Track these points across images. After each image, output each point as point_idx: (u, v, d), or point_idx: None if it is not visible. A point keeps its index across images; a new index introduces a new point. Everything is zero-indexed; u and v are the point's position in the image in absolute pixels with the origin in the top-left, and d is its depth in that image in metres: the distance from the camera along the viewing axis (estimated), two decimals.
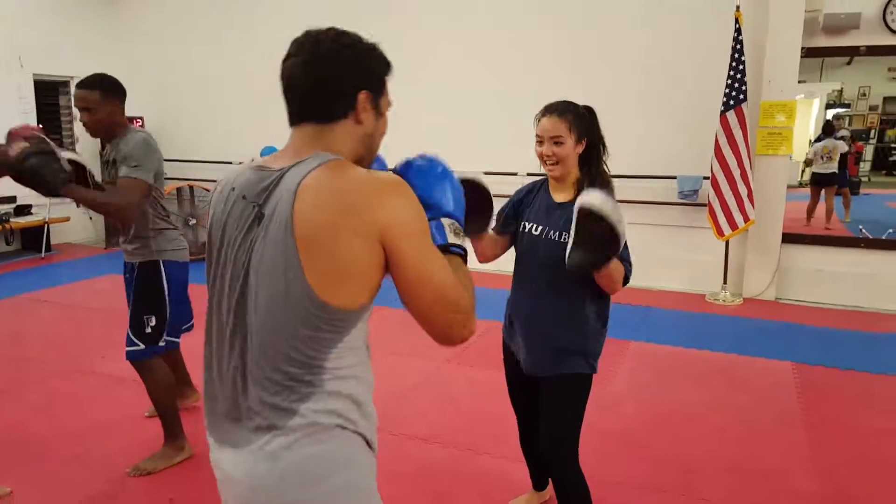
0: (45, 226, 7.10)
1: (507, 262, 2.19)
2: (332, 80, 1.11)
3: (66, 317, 5.09)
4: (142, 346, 2.75)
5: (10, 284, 5.92)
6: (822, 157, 7.99)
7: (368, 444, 1.16)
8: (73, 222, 7.53)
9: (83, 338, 4.53)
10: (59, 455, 2.91)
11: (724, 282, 5.61)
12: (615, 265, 1.86)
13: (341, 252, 1.01)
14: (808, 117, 10.18)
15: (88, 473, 2.77)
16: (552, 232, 2.00)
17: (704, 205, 5.49)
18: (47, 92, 7.59)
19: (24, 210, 7.10)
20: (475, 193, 1.77)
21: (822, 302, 5.45)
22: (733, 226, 5.29)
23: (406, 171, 1.22)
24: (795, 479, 2.77)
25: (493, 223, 1.98)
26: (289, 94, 1.14)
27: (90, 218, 7.91)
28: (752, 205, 5.23)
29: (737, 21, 5.09)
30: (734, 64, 5.12)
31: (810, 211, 7.76)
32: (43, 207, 7.11)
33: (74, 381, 3.75)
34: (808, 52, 5.25)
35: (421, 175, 1.20)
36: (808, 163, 8.71)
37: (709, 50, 5.47)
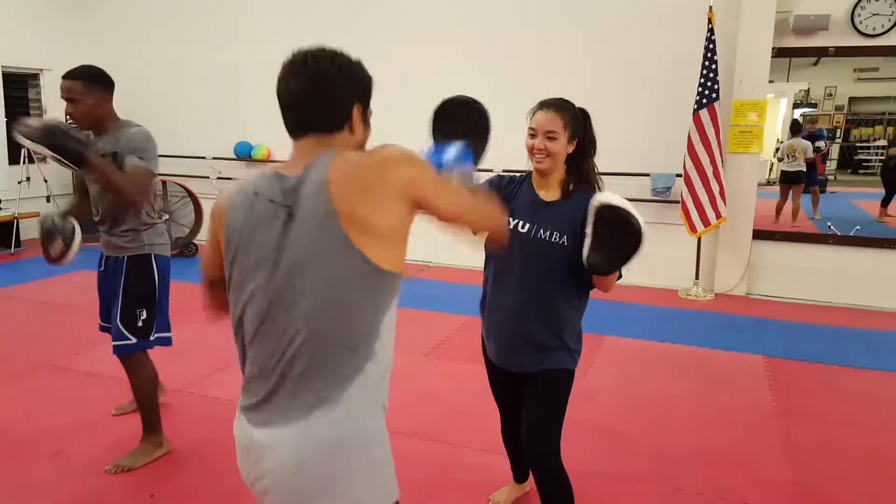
0: (15, 221, 6.94)
1: (480, 259, 2.17)
2: (332, 96, 1.23)
3: (38, 313, 5.00)
4: (133, 340, 2.73)
5: None
6: (788, 156, 8.18)
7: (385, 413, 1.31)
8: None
9: (56, 334, 4.46)
10: (36, 453, 2.87)
11: (697, 277, 5.73)
12: None
13: (384, 219, 1.16)
14: (776, 116, 10.41)
15: (67, 472, 2.74)
16: (542, 231, 1.99)
17: (677, 202, 5.60)
18: (15, 84, 7.41)
19: None
20: (474, 117, 1.87)
21: (791, 297, 5.59)
22: (706, 222, 5.39)
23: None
24: (768, 467, 2.85)
25: (485, 155, 1.96)
26: (290, 109, 1.25)
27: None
28: (724, 202, 5.35)
29: (710, 21, 5.19)
30: (707, 63, 5.22)
31: (779, 208, 7.94)
32: (13, 202, 6.95)
33: (48, 379, 3.70)
34: (778, 52, 5.38)
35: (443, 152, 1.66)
36: (781, 160, 8.91)
37: (682, 49, 5.57)
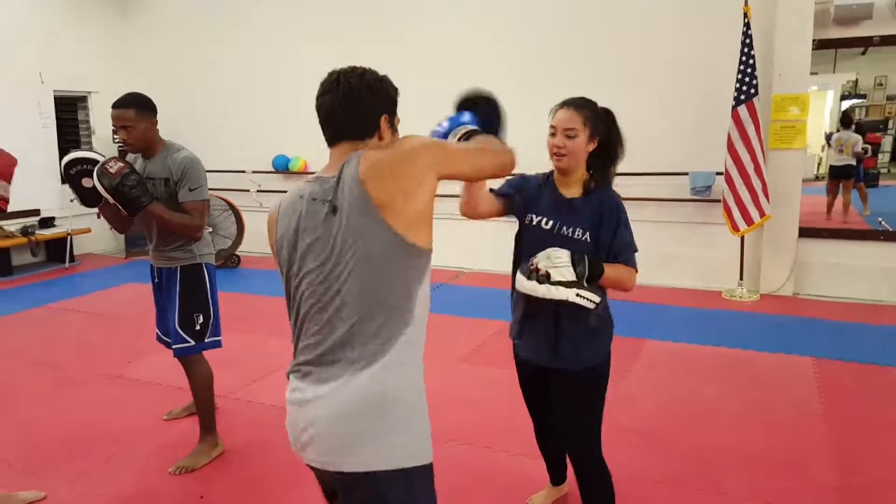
0: (69, 237, 7.25)
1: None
2: (361, 110, 1.43)
3: (92, 325, 5.21)
4: (192, 343, 2.90)
5: (38, 295, 6.07)
6: (837, 150, 7.93)
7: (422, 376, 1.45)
8: (94, 233, 7.68)
9: (108, 345, 4.63)
10: (91, 458, 3.00)
11: (741, 278, 5.59)
12: (610, 275, 1.89)
13: (412, 202, 1.33)
14: (823, 109, 10.08)
15: (120, 475, 2.85)
16: (564, 227, 2.01)
17: (718, 201, 5.49)
18: (66, 107, 7.76)
19: (47, 222, 7.26)
20: (488, 108, 1.87)
21: (841, 296, 5.41)
22: (748, 221, 5.27)
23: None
24: (814, 471, 2.77)
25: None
26: (327, 123, 1.45)
27: (110, 229, 8.05)
28: (767, 199, 5.22)
29: (745, 15, 5.09)
30: (744, 58, 5.12)
31: (830, 204, 7.69)
32: (66, 220, 7.26)
33: (103, 386, 3.85)
34: (819, 44, 5.23)
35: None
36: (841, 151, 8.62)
37: (718, 45, 5.47)
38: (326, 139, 1.46)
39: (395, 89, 1.50)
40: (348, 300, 1.33)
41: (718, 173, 5.48)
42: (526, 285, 1.88)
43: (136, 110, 2.72)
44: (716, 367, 4.00)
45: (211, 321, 2.95)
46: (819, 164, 9.46)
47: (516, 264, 2.14)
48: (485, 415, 3.35)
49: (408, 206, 1.32)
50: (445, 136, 1.70)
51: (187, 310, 2.89)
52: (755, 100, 5.13)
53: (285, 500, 2.66)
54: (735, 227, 5.34)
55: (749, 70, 5.12)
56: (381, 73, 1.48)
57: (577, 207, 2.03)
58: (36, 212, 7.21)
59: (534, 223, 2.07)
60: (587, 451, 2.09)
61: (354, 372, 1.32)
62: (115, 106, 2.72)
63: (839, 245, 5.55)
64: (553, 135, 2.01)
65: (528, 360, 2.18)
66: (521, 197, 2.12)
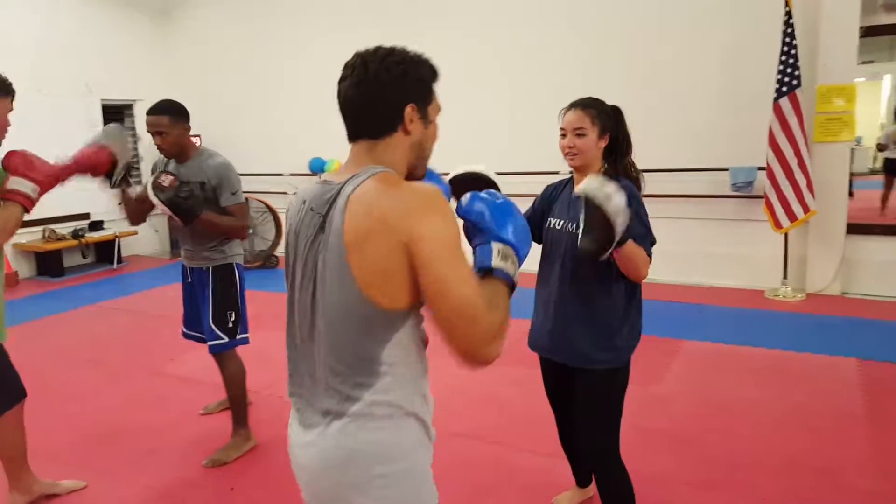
0: (116, 239, 7.52)
1: None
2: (380, 99, 1.20)
3: (137, 323, 5.39)
4: (225, 339, 3.00)
5: (87, 294, 6.32)
6: (893, 143, 7.60)
7: (426, 430, 1.26)
8: (140, 236, 7.95)
9: (152, 342, 4.78)
10: (133, 449, 3.12)
11: (785, 277, 5.41)
12: (630, 249, 1.82)
13: (376, 256, 1.12)
14: (878, 100, 9.67)
15: (158, 466, 2.95)
16: (570, 224, 2.03)
17: (760, 197, 5.32)
18: (113, 115, 8.04)
19: (97, 225, 7.55)
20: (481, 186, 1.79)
21: (892, 296, 5.18)
22: (792, 217, 5.10)
23: (470, 199, 1.29)
24: (854, 477, 2.66)
25: None
26: (346, 116, 1.25)
27: (156, 231, 8.34)
28: (812, 194, 5.04)
29: (787, 3, 4.92)
30: (785, 48, 4.95)
31: (884, 199, 7.39)
32: (113, 223, 7.53)
33: (145, 382, 3.99)
34: (866, 32, 5.01)
35: (480, 201, 1.28)
36: (880, 148, 8.28)
37: (759, 35, 5.30)
38: (347, 133, 1.27)
39: (433, 71, 1.25)
40: (325, 336, 1.21)
41: (760, 168, 5.31)
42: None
43: (170, 117, 2.81)
44: (754, 369, 3.88)
45: (241, 319, 3.03)
46: (875, 158, 9.09)
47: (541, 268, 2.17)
48: (512, 414, 3.33)
49: (372, 261, 1.13)
50: (476, 238, 1.27)
51: (220, 308, 2.98)
52: (798, 91, 4.95)
53: None
54: (778, 224, 5.17)
55: (791, 60, 4.94)
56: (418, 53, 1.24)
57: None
58: (86, 215, 7.50)
59: (550, 226, 2.13)
60: (604, 451, 2.07)
61: (329, 421, 1.21)
62: (150, 112, 2.82)
63: (891, 242, 5.31)
64: (564, 136, 2.05)
65: (549, 358, 2.18)
66: (542, 212, 2.19)
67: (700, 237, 5.74)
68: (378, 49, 1.22)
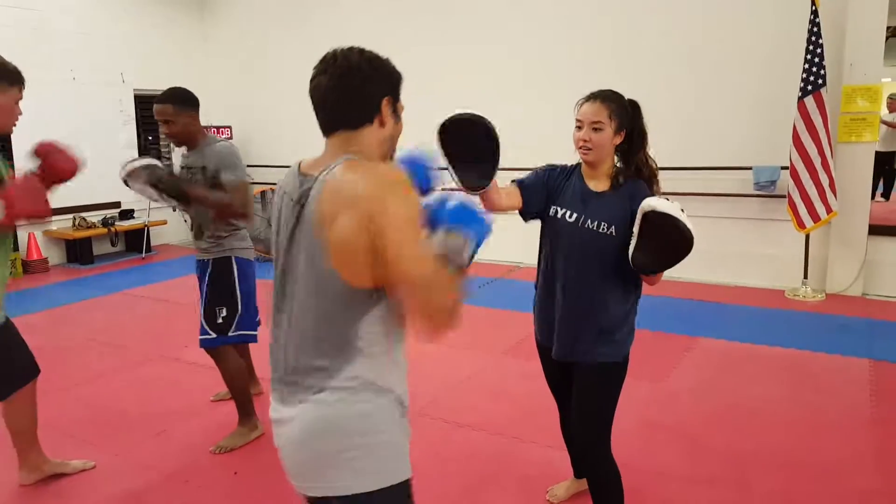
0: (146, 228, 7.71)
1: None
2: (359, 90, 1.27)
3: (159, 311, 5.54)
4: (213, 335, 2.97)
5: (114, 282, 6.50)
6: None
7: (401, 405, 1.33)
8: (169, 225, 8.13)
9: (171, 329, 4.92)
10: (144, 433, 3.21)
11: (805, 277, 5.33)
12: None
13: (344, 235, 1.18)
14: None
15: (167, 450, 3.04)
16: (589, 221, 1.98)
17: (782, 196, 5.24)
18: (146, 105, 8.23)
19: (127, 214, 7.75)
20: (483, 138, 1.82)
21: None
22: (815, 218, 5.02)
23: (440, 201, 1.34)
24: (857, 476, 2.64)
25: (494, 177, 1.90)
26: (321, 108, 1.30)
27: (185, 220, 8.51)
28: (835, 195, 4.95)
29: (813, 3, 4.84)
30: (811, 47, 4.87)
31: None
32: (143, 212, 7.72)
33: (161, 368, 4.10)
34: (893, 32, 4.91)
35: (447, 203, 1.33)
36: None
37: (784, 34, 5.22)
38: (321, 127, 1.33)
39: (399, 72, 1.35)
40: (304, 317, 1.28)
41: (783, 168, 5.24)
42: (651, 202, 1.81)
43: (174, 105, 2.82)
44: (767, 368, 3.85)
45: (238, 315, 2.97)
46: None
47: (541, 258, 2.16)
48: (519, 407, 3.36)
49: (340, 242, 1.19)
50: (436, 222, 1.31)
51: (211, 302, 2.95)
52: (823, 90, 4.87)
53: None
54: (801, 224, 5.09)
55: (816, 59, 4.86)
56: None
57: (605, 201, 2.00)
58: (116, 204, 7.69)
59: (558, 216, 2.05)
60: (594, 446, 2.07)
61: (309, 396, 1.27)
62: (157, 101, 2.83)
63: None
64: (579, 128, 1.99)
65: (549, 350, 2.19)
66: (546, 189, 2.09)
67: (722, 236, 5.68)
68: (352, 47, 1.30)
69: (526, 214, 2.12)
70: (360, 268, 1.20)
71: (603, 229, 1.97)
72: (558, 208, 2.06)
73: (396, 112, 1.34)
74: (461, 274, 1.28)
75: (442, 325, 1.20)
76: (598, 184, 2.05)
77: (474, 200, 1.36)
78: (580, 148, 2.01)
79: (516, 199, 2.07)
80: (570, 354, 2.09)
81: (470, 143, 1.83)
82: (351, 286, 1.22)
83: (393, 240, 1.16)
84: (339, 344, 1.25)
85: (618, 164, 2.07)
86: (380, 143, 1.32)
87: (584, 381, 2.09)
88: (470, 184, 1.87)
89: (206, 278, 2.97)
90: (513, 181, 2.13)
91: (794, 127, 5.00)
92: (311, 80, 1.30)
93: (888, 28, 4.86)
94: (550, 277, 2.11)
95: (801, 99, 4.94)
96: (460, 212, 1.30)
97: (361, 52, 1.30)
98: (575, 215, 2.02)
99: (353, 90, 1.27)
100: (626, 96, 2.04)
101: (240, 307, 2.99)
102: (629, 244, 1.89)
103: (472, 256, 1.31)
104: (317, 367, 1.26)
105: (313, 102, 1.31)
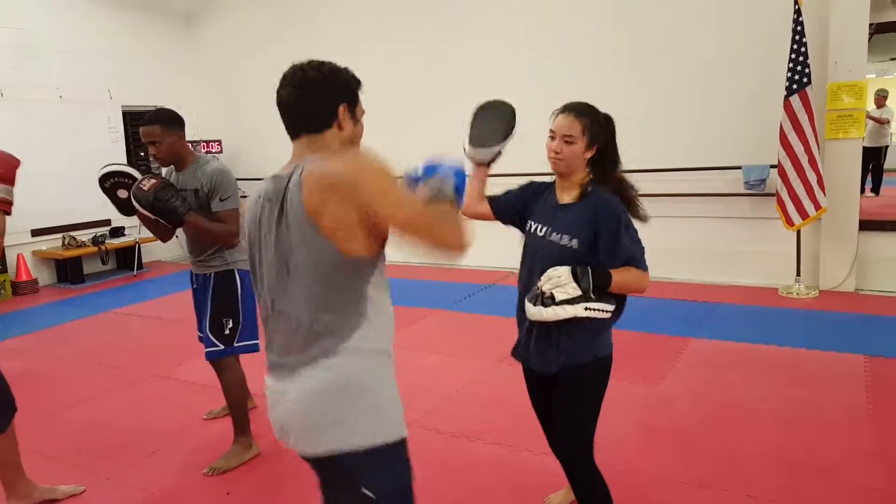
0: (137, 245, 7.67)
1: None
2: (317, 100, 1.44)
3: (151, 328, 5.49)
4: (221, 347, 2.99)
5: (105, 301, 6.44)
6: None
7: (392, 359, 1.48)
8: (161, 241, 8.07)
9: (163, 347, 4.87)
10: (137, 453, 3.17)
11: (798, 274, 5.35)
12: (621, 278, 1.86)
13: (338, 213, 1.32)
14: None
15: (159, 470, 3.00)
16: (555, 234, 1.99)
17: (773, 195, 5.27)
18: (135, 121, 8.20)
19: (117, 232, 7.69)
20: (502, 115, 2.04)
21: None
22: (803, 215, 5.04)
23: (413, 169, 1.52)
24: (856, 474, 2.63)
25: (504, 145, 2.13)
26: (286, 115, 1.47)
27: (177, 236, 8.46)
28: (823, 192, 4.97)
29: (796, 2, 4.88)
30: (795, 46, 4.90)
31: None
32: (134, 229, 7.67)
33: (153, 386, 4.07)
34: (877, 29, 4.95)
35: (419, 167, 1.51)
36: None
37: (769, 33, 5.26)
38: (288, 132, 1.48)
39: (357, 81, 1.50)
40: (299, 301, 1.39)
41: (773, 166, 5.26)
42: (532, 311, 1.89)
43: (161, 126, 2.82)
44: (762, 367, 3.84)
45: (241, 326, 2.99)
46: None
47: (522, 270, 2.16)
48: (515, 415, 3.33)
49: (332, 219, 1.32)
50: (417, 181, 1.49)
51: (217, 315, 2.97)
52: (808, 89, 4.90)
53: (309, 500, 2.72)
54: (789, 222, 5.11)
55: (801, 58, 4.89)
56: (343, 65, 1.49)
57: (569, 213, 2.01)
58: (107, 222, 7.64)
59: (531, 230, 2.10)
60: (577, 453, 2.04)
61: (313, 366, 1.38)
62: (143, 123, 2.82)
63: None
64: (552, 138, 2.01)
65: (531, 368, 2.17)
66: (519, 204, 2.18)
67: (714, 235, 5.70)
68: (311, 61, 1.45)
69: (501, 220, 2.25)
70: (359, 240, 1.34)
71: (564, 241, 1.97)
72: (532, 222, 2.11)
73: (355, 116, 1.49)
74: (453, 205, 1.43)
75: (456, 246, 1.37)
76: (567, 195, 2.05)
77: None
78: (551, 158, 2.03)
79: (486, 208, 2.24)
80: (544, 364, 2.06)
81: (492, 126, 2.05)
82: (352, 257, 1.35)
83: (382, 202, 1.32)
84: (348, 311, 1.38)
85: (591, 176, 2.06)
86: (341, 143, 1.46)
87: (562, 389, 2.05)
88: (476, 145, 2.12)
89: (210, 292, 2.98)
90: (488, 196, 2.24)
91: (781, 126, 5.02)
92: (277, 93, 1.46)
93: (871, 25, 4.89)
94: (525, 289, 2.10)
95: (787, 98, 4.97)
96: (431, 165, 1.48)
97: (320, 65, 1.44)
98: (544, 228, 2.04)
99: (312, 99, 1.43)
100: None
101: (243, 318, 3.03)
102: (590, 255, 1.92)
103: (461, 191, 1.46)
104: (328, 333, 1.37)
105: (280, 112, 1.47)
